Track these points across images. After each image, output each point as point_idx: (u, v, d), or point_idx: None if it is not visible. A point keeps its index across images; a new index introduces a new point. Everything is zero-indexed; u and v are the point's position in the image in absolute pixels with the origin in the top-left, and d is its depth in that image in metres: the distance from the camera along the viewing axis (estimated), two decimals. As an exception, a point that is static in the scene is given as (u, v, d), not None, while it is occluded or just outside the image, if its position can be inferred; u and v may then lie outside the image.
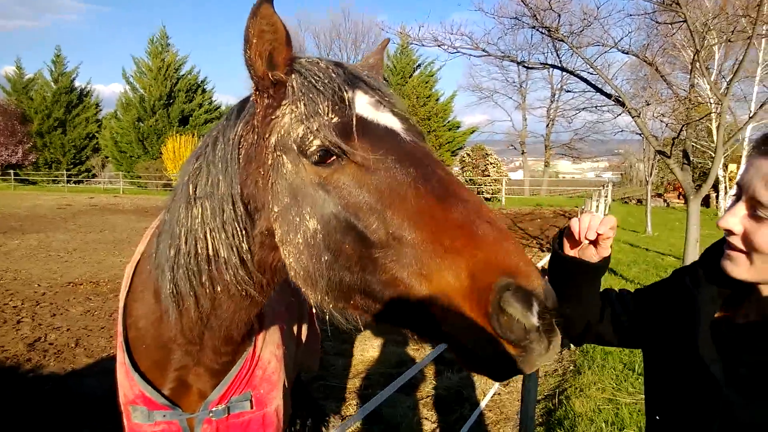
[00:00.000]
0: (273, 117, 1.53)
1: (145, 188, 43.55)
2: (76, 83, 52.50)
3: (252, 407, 2.17)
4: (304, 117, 1.47)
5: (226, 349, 2.02)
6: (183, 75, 49.57)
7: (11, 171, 45.32)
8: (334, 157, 1.43)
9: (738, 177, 1.53)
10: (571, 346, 7.24)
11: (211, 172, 1.67)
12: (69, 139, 50.52)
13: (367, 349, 7.45)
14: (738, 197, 1.51)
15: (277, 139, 1.51)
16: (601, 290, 1.94)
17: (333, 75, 1.53)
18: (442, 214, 1.32)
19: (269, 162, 1.53)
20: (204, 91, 51.06)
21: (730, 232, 1.50)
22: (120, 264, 13.15)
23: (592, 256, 1.76)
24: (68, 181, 45.98)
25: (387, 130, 1.50)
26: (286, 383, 2.37)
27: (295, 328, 2.91)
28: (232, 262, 1.67)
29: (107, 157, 50.62)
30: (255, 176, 1.58)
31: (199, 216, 1.70)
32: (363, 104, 1.52)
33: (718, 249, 1.62)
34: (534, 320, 1.20)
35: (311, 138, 1.44)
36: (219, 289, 1.77)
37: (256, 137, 1.58)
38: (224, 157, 1.64)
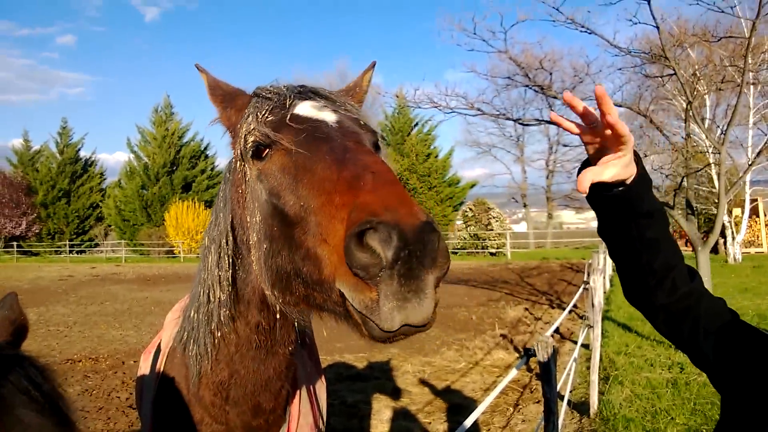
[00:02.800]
0: (237, 137, 1.70)
1: (148, 256, 43.49)
2: (81, 153, 53.47)
3: None
4: (247, 122, 1.62)
5: (257, 423, 1.90)
6: (186, 142, 50.41)
7: (14, 243, 45.41)
8: (267, 150, 1.54)
9: None
10: (590, 412, 6.95)
11: (218, 216, 1.82)
12: (73, 209, 50.91)
13: (376, 425, 7.14)
14: None
15: (239, 152, 1.66)
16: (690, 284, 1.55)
17: (284, 89, 1.67)
18: (337, 176, 1.33)
19: (240, 176, 1.68)
20: (207, 156, 51.80)
21: None
22: (120, 337, 12.91)
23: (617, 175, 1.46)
24: (71, 252, 46.01)
25: (317, 121, 1.56)
26: None
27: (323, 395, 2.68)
28: (222, 299, 1.75)
29: (110, 226, 50.85)
30: (236, 198, 1.72)
31: (210, 262, 1.80)
32: (305, 107, 1.61)
33: None
34: (388, 253, 1.09)
35: (249, 137, 1.59)
36: (227, 338, 1.79)
37: (235, 164, 1.74)
38: (225, 195, 1.81)
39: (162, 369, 2.06)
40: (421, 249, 1.11)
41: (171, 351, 2.05)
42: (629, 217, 1.52)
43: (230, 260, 1.74)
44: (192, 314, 1.89)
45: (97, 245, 51.39)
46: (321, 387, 2.51)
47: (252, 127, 1.59)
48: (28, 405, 1.06)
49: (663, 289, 1.52)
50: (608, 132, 1.42)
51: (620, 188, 1.49)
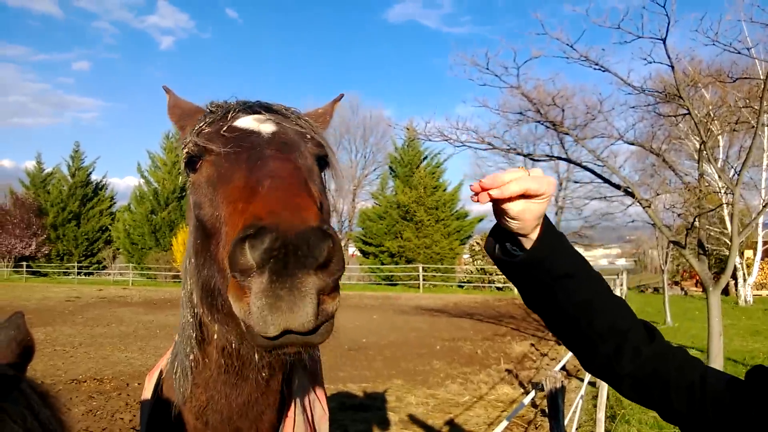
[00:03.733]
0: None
1: (155, 280, 43.52)
2: (92, 177, 53.96)
3: None
4: (183, 141, 1.61)
5: None
6: (197, 168, 50.92)
7: (24, 263, 45.63)
8: (199, 161, 1.53)
9: None
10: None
11: (187, 243, 1.74)
12: (82, 231, 51.22)
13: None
14: None
15: (183, 169, 1.64)
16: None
17: (231, 103, 1.65)
18: (243, 184, 1.30)
19: (188, 194, 1.66)
20: (217, 183, 52.26)
21: None
22: (125, 360, 12.86)
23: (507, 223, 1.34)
24: (79, 273, 46.13)
25: (250, 132, 1.51)
26: None
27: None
28: (190, 322, 1.71)
29: (119, 249, 51.03)
30: (192, 216, 1.64)
31: (186, 290, 1.76)
32: (247, 120, 1.56)
33: None
34: (257, 252, 1.04)
35: (184, 148, 1.57)
36: (200, 362, 1.74)
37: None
38: (191, 217, 1.74)
39: (156, 392, 2.04)
40: (300, 249, 1.04)
41: (166, 375, 2.03)
42: (548, 282, 1.36)
43: (197, 286, 1.65)
44: (177, 338, 1.89)
45: (105, 268, 51.51)
46: (323, 417, 2.38)
47: (187, 139, 1.58)
48: None
49: (623, 355, 1.35)
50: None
51: (523, 253, 1.36)
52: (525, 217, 1.31)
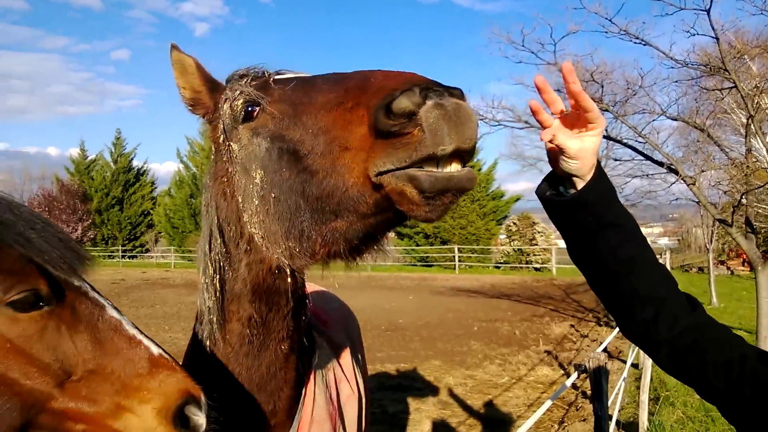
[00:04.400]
0: (219, 121, 1.71)
1: (195, 262, 44.51)
2: (134, 163, 55.21)
3: None
4: (231, 95, 1.63)
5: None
6: (234, 153, 51.63)
7: (71, 247, 47.14)
8: (258, 108, 1.56)
9: None
10: None
11: (203, 230, 1.81)
12: (125, 215, 52.62)
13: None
14: None
15: (221, 131, 1.67)
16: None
17: (249, 67, 1.71)
18: (342, 91, 1.39)
19: (224, 159, 1.68)
20: (254, 167, 52.93)
21: None
22: (170, 339, 13.21)
23: (564, 164, 1.37)
24: (123, 256, 47.47)
25: (298, 78, 1.61)
26: None
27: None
28: (210, 307, 1.74)
29: (160, 233, 52.26)
30: (222, 188, 1.71)
31: (200, 271, 1.81)
32: (286, 74, 1.66)
33: None
34: (415, 98, 1.17)
35: (237, 101, 1.60)
36: (219, 341, 1.78)
37: (214, 155, 1.77)
38: (206, 201, 1.80)
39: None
40: (450, 90, 1.21)
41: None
42: (593, 230, 1.36)
43: (216, 264, 1.73)
44: (196, 324, 1.93)
45: (147, 251, 52.89)
46: (350, 397, 2.33)
47: (238, 92, 1.61)
48: (24, 226, 1.26)
49: (661, 321, 1.35)
50: (572, 104, 1.35)
51: (575, 192, 1.38)
52: (583, 155, 1.34)
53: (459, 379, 9.55)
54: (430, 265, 38.91)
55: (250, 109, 1.58)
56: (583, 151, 1.34)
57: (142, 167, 56.26)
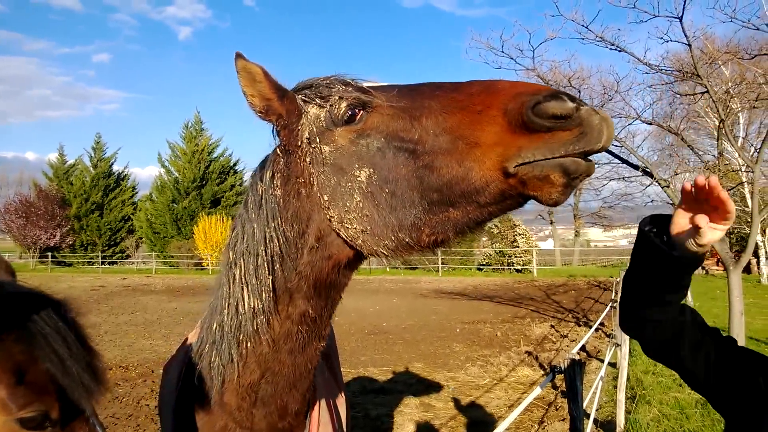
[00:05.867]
0: (299, 125, 1.73)
1: (177, 268, 44.13)
2: (114, 167, 54.67)
3: None
4: (324, 98, 1.70)
5: (282, 425, 1.92)
6: (215, 158, 51.23)
7: (49, 253, 46.54)
8: (362, 110, 1.65)
9: None
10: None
11: (245, 229, 1.83)
12: (105, 221, 52.02)
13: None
14: None
15: (308, 134, 1.71)
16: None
17: (330, 75, 1.77)
18: (463, 96, 1.53)
19: (308, 161, 1.71)
20: (235, 172, 52.53)
21: None
22: (150, 347, 13.14)
23: (690, 244, 1.55)
24: (103, 263, 46.93)
25: (389, 85, 1.72)
26: None
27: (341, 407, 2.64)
28: (258, 308, 1.77)
29: (141, 238, 51.77)
30: (297, 190, 1.74)
31: (239, 276, 1.82)
32: (368, 83, 1.73)
33: None
34: (570, 104, 1.36)
35: (338, 105, 1.66)
36: (259, 343, 1.81)
37: (286, 157, 1.78)
38: (257, 203, 1.81)
39: (182, 378, 2.06)
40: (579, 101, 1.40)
41: (189, 362, 2.06)
42: (682, 285, 1.63)
43: (271, 266, 1.77)
44: (214, 327, 1.90)
45: (128, 257, 52.36)
46: (341, 400, 2.49)
47: (338, 97, 1.67)
48: (60, 343, 1.22)
49: (656, 305, 1.66)
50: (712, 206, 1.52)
51: (686, 252, 1.57)
52: (712, 242, 1.56)
53: (441, 381, 9.65)
54: (414, 268, 39.05)
55: (351, 113, 1.66)
56: (714, 240, 1.55)
57: (123, 172, 55.76)
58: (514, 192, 1.47)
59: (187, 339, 2.35)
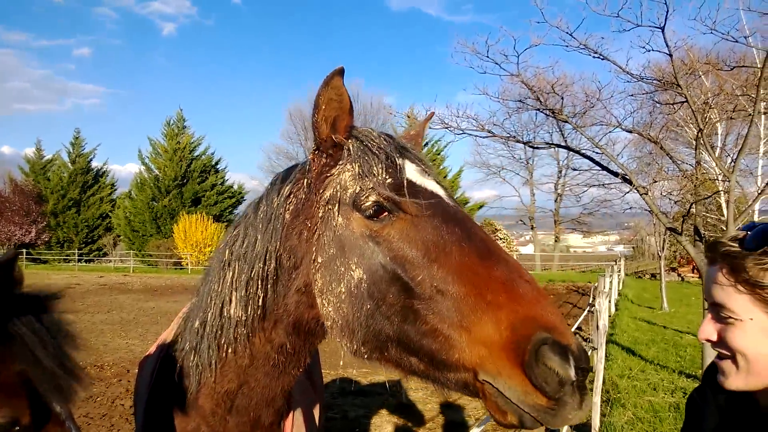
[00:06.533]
0: (329, 174, 1.66)
1: (156, 267, 43.65)
2: (93, 164, 54.00)
3: None
4: (360, 175, 1.61)
5: None
6: (197, 156, 50.82)
7: (24, 250, 45.73)
8: (386, 213, 1.55)
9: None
10: None
11: (248, 234, 1.77)
12: (82, 218, 51.29)
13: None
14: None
15: (331, 194, 1.63)
16: None
17: (384, 143, 1.68)
18: (484, 271, 1.42)
19: (320, 214, 1.65)
20: (217, 171, 52.15)
21: (711, 343, 1.53)
22: (125, 346, 12.97)
23: None
24: (79, 260, 46.26)
25: (432, 194, 1.62)
26: None
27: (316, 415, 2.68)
28: (242, 319, 1.74)
29: (119, 236, 51.12)
30: (300, 228, 1.68)
31: (229, 279, 1.78)
32: (411, 170, 1.65)
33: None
34: (571, 373, 1.27)
35: (367, 194, 1.57)
36: (239, 353, 1.78)
37: (307, 192, 1.70)
38: (267, 216, 1.74)
39: (156, 375, 2.04)
40: (584, 367, 1.31)
41: (166, 358, 2.02)
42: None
43: (264, 284, 1.72)
44: (196, 325, 1.85)
45: (105, 255, 51.66)
46: (317, 408, 2.50)
47: (371, 186, 1.57)
48: (36, 343, 1.15)
49: None
50: None
51: None
52: None
53: (420, 383, 9.65)
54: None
55: (375, 210, 1.56)
56: None
57: (102, 168, 55.05)
58: (476, 391, 1.42)
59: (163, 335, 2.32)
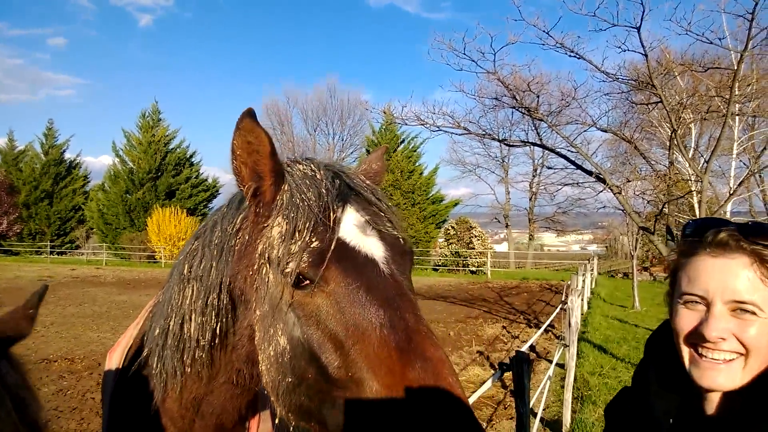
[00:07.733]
0: (264, 225, 1.53)
1: (129, 260, 43.03)
2: (66, 155, 52.78)
3: None
4: (285, 236, 1.46)
5: None
6: (172, 149, 50.07)
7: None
8: (308, 282, 1.41)
9: (696, 287, 1.43)
10: (563, 431, 7.00)
11: (206, 255, 1.68)
12: (55, 210, 50.28)
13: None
14: (707, 305, 1.42)
15: (263, 249, 1.51)
16: None
17: (324, 191, 1.51)
18: (399, 370, 1.30)
19: (255, 266, 1.53)
20: (192, 164, 51.47)
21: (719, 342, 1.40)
22: (97, 339, 12.79)
23: None
24: (51, 252, 45.38)
25: (366, 259, 1.46)
26: None
27: None
28: (201, 344, 1.68)
29: (92, 229, 50.23)
30: (245, 273, 1.56)
31: (189, 297, 1.70)
32: (349, 225, 1.49)
33: (664, 347, 1.56)
34: None
35: (288, 259, 1.42)
36: (202, 370, 1.73)
37: (248, 237, 1.57)
38: (220, 245, 1.64)
39: (120, 372, 2.02)
40: None
41: (135, 355, 2.00)
42: None
43: (218, 317, 1.65)
44: (157, 332, 1.80)
45: (78, 247, 50.72)
46: None
47: (293, 251, 1.43)
48: None
49: None
50: None
51: None
52: None
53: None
54: (370, 267, 39.01)
55: (297, 279, 1.42)
56: None
57: (75, 160, 53.90)
58: None
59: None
